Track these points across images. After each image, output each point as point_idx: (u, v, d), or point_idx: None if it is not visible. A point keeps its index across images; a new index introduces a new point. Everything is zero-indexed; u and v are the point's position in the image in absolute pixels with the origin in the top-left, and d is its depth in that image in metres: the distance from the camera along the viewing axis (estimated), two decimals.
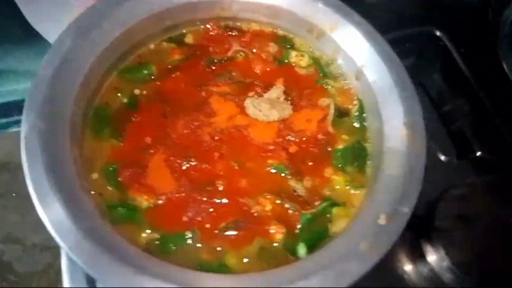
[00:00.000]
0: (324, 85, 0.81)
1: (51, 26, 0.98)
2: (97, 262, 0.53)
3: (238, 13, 0.84)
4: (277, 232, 0.65)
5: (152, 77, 0.79)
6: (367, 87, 0.75)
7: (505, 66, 0.91)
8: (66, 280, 0.74)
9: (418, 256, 0.84)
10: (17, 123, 1.10)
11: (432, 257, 0.82)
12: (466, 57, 1.08)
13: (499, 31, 1.00)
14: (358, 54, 0.77)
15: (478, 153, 0.97)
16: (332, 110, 0.76)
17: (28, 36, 0.99)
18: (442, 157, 0.96)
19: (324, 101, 0.78)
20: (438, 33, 1.12)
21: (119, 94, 0.76)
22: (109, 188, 0.67)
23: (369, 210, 0.61)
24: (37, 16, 0.97)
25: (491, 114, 1.00)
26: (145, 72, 0.79)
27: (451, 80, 1.09)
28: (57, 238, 0.55)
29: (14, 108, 1.09)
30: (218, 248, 0.63)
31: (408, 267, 0.85)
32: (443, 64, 1.11)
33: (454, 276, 0.80)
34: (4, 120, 1.09)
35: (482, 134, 0.99)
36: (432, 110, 1.03)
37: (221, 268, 0.61)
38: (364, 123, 0.77)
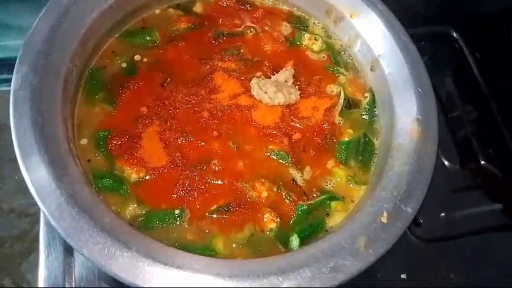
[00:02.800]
0: (335, 73, 0.77)
1: None
2: (76, 230, 0.49)
3: None
4: (270, 221, 0.62)
5: (155, 44, 0.74)
6: (382, 79, 0.71)
7: None
8: (42, 248, 0.71)
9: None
10: (7, 81, 1.04)
11: None
12: (481, 63, 1.04)
13: None
14: (377, 43, 0.73)
15: (482, 162, 0.94)
16: (341, 100, 0.72)
17: None
18: (446, 163, 0.92)
19: (333, 90, 0.75)
20: (454, 34, 1.08)
21: (118, 58, 0.71)
22: (98, 156, 0.63)
23: (370, 206, 0.58)
24: None
25: (499, 125, 0.97)
26: (148, 38, 0.74)
27: (462, 84, 1.05)
28: (38, 201, 0.51)
29: (4, 65, 1.03)
30: (206, 231, 0.60)
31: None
32: (456, 68, 1.08)
33: None
34: None
35: (488, 143, 0.96)
36: (440, 114, 0.99)
37: (207, 251, 0.58)
38: (374, 117, 0.73)
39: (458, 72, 1.07)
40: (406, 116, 0.65)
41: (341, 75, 0.77)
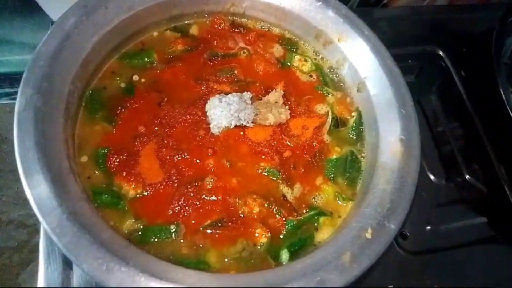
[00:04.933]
0: (324, 93, 0.81)
1: (53, 1, 0.96)
2: (77, 245, 0.52)
3: (247, 11, 0.84)
4: (261, 236, 0.65)
5: (153, 65, 0.78)
6: (368, 99, 0.75)
7: (503, 94, 0.92)
8: (41, 260, 0.73)
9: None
10: (8, 95, 1.08)
11: None
12: (466, 80, 1.09)
13: (500, 58, 1.01)
14: (363, 66, 0.77)
15: (467, 177, 0.97)
16: (329, 119, 0.76)
17: (27, 8, 0.96)
18: (432, 177, 0.96)
19: (322, 109, 0.78)
20: (440, 53, 1.13)
21: (117, 78, 0.75)
22: (97, 172, 0.66)
23: (356, 222, 0.61)
24: None
25: (483, 141, 1.01)
26: (146, 59, 0.77)
27: (448, 101, 1.09)
28: (40, 218, 0.54)
29: (6, 79, 1.07)
30: (200, 245, 0.63)
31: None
32: (442, 85, 1.12)
33: None
34: None
35: (472, 159, 1.00)
36: (426, 130, 1.04)
37: (201, 265, 0.61)
38: (361, 136, 0.77)
39: (444, 90, 1.11)
40: (390, 136, 0.69)
41: (330, 95, 0.80)
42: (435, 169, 0.97)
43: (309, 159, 0.73)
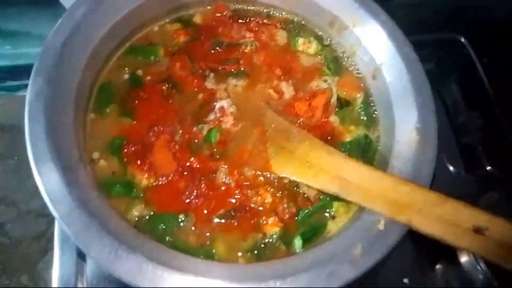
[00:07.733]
0: (327, 73, 0.79)
1: None
2: (85, 233, 0.52)
3: None
4: (274, 225, 0.63)
5: (158, 57, 0.77)
6: (384, 87, 0.72)
7: None
8: (56, 249, 0.74)
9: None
10: (27, 86, 1.10)
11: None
12: (488, 68, 1.04)
13: None
14: (379, 52, 0.74)
15: (488, 168, 0.94)
16: (334, 94, 0.75)
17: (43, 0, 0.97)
18: (451, 168, 0.93)
19: (324, 86, 0.77)
20: (462, 40, 1.08)
21: (125, 70, 0.74)
22: (111, 161, 0.66)
23: (369, 212, 0.59)
24: None
25: (506, 131, 0.97)
26: (152, 51, 0.77)
27: (469, 90, 1.05)
28: (50, 206, 0.54)
29: (25, 71, 1.09)
30: (210, 235, 0.62)
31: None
32: (463, 73, 1.08)
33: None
34: (13, 83, 1.08)
35: (493, 150, 0.96)
36: (445, 120, 1.00)
37: (209, 255, 0.60)
38: (373, 120, 0.74)
39: (465, 78, 1.07)
40: (405, 125, 0.66)
41: (333, 76, 0.78)
42: (454, 160, 0.94)
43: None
